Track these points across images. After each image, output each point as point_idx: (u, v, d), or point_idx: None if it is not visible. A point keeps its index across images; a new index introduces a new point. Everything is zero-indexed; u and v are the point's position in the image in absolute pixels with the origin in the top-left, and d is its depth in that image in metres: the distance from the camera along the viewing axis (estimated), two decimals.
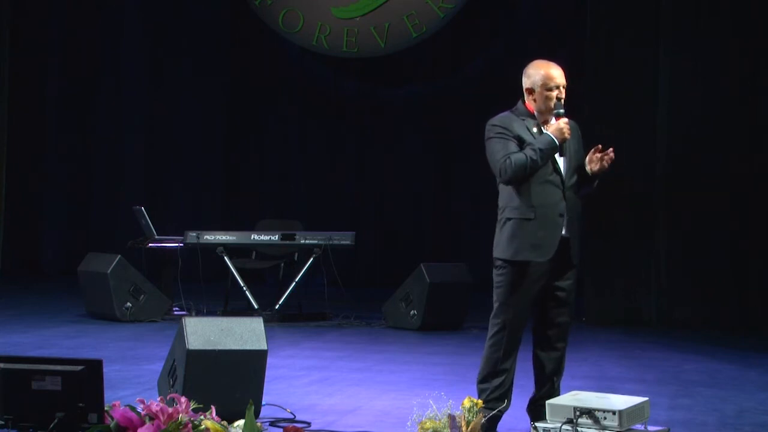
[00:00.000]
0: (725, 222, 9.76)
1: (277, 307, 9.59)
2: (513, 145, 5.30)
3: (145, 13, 13.40)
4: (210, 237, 9.67)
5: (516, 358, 5.51)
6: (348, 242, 9.71)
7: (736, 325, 9.59)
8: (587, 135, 10.94)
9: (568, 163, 5.35)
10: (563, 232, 5.27)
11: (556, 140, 5.27)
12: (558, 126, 5.29)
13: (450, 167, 12.52)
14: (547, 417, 5.07)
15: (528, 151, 5.25)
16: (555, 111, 5.33)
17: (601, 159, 5.28)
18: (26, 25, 13.18)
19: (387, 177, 12.92)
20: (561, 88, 5.38)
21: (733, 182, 9.76)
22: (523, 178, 5.26)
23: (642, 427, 5.02)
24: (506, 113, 5.48)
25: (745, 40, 9.75)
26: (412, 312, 9.28)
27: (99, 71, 13.48)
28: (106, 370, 4.96)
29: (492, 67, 12.27)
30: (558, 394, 5.42)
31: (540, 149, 5.24)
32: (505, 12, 12.60)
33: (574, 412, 4.95)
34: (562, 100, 5.35)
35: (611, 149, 5.29)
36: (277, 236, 9.74)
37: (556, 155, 5.31)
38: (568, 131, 5.29)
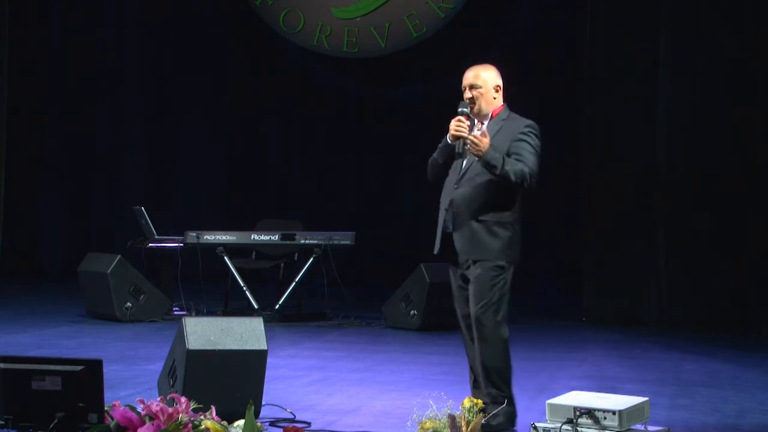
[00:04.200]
0: (725, 222, 9.76)
1: (277, 307, 9.59)
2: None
3: (146, 13, 13.40)
4: (210, 237, 9.67)
5: (468, 346, 5.71)
6: (348, 242, 9.71)
7: (736, 325, 9.59)
8: (589, 135, 11.00)
9: (468, 161, 5.53)
10: (445, 227, 5.56)
11: (447, 139, 5.56)
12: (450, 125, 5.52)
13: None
14: (547, 417, 5.08)
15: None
16: (458, 110, 5.55)
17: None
18: (26, 25, 13.17)
19: (387, 177, 12.91)
20: (467, 88, 5.62)
21: (733, 182, 9.76)
22: (434, 176, 5.70)
23: (642, 427, 5.02)
24: None
25: (745, 39, 9.75)
26: (412, 312, 9.28)
27: (99, 71, 13.47)
28: (106, 370, 4.96)
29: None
30: (482, 390, 5.51)
31: (438, 147, 5.64)
32: (505, 12, 12.60)
33: (574, 412, 4.95)
34: (468, 100, 5.58)
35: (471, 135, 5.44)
36: (277, 236, 9.74)
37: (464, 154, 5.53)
38: (454, 128, 5.48)
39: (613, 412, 4.91)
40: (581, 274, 10.55)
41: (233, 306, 9.75)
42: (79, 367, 4.79)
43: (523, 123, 5.57)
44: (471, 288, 5.54)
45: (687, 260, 9.85)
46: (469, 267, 5.55)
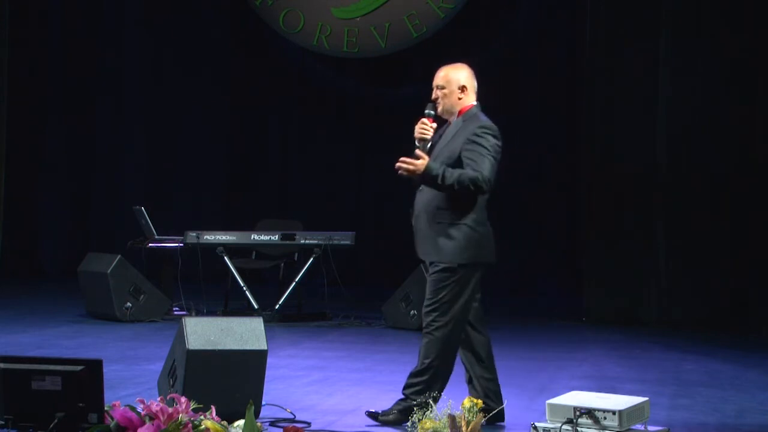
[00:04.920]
0: (725, 221, 9.76)
1: (277, 307, 9.59)
2: None
3: (146, 13, 13.39)
4: (210, 237, 9.67)
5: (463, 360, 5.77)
6: (348, 242, 9.71)
7: (736, 325, 9.59)
8: (589, 135, 10.99)
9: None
10: (414, 225, 5.68)
11: (417, 141, 5.65)
12: None
13: None
14: (547, 417, 5.08)
15: None
16: (425, 111, 5.67)
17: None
18: (26, 25, 13.17)
19: (387, 177, 12.84)
20: (434, 89, 5.73)
21: (733, 182, 9.76)
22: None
23: (642, 427, 5.03)
24: None
25: (745, 39, 9.75)
26: (412, 312, 9.28)
27: (99, 71, 13.47)
28: (106, 370, 4.97)
29: (492, 67, 12.26)
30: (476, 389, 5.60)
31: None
32: (505, 12, 12.60)
33: (574, 412, 4.95)
34: (436, 101, 5.69)
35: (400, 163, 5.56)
36: (277, 236, 9.74)
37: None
38: (418, 130, 5.63)
39: (613, 412, 4.91)
40: (581, 274, 10.55)
41: (233, 306, 9.75)
42: (79, 367, 4.80)
43: (477, 124, 5.56)
44: (427, 287, 5.60)
45: (687, 260, 9.84)
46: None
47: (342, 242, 9.66)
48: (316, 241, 9.64)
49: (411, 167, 5.47)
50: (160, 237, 9.88)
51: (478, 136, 5.50)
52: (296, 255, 9.97)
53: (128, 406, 4.91)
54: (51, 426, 4.70)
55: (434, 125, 5.58)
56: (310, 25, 12.77)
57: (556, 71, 12.12)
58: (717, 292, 9.74)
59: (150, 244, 9.85)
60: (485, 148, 5.47)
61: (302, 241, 9.69)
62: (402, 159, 5.49)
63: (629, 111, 10.04)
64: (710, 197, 9.79)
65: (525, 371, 7.32)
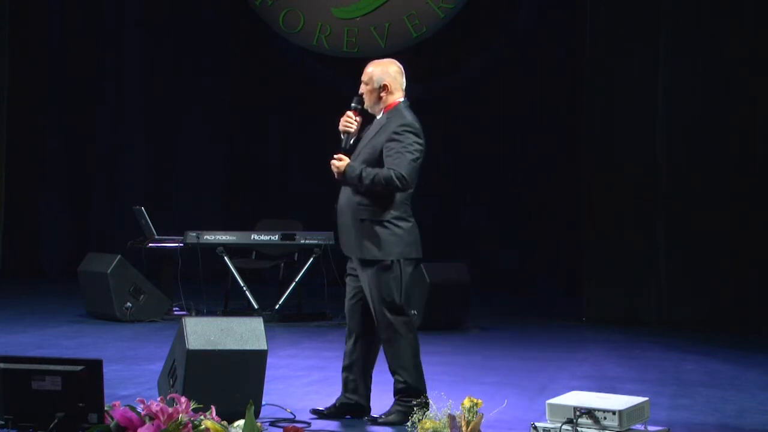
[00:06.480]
0: (725, 222, 9.76)
1: (277, 307, 9.59)
2: None
3: (146, 13, 13.39)
4: (210, 237, 9.67)
5: (351, 349, 5.71)
6: None
7: (736, 325, 9.59)
8: (589, 135, 10.99)
9: (353, 157, 5.67)
10: (338, 221, 5.71)
11: (342, 134, 5.68)
12: None
13: (450, 167, 12.51)
14: (547, 417, 5.08)
15: None
16: (351, 104, 5.73)
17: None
18: (26, 25, 13.17)
19: None
20: (362, 83, 5.71)
21: (732, 182, 9.76)
22: None
23: (642, 427, 5.03)
24: None
25: (745, 39, 9.75)
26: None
27: (99, 71, 13.46)
28: (106, 370, 4.97)
29: (492, 67, 12.25)
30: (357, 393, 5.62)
31: None
32: (505, 12, 12.59)
33: (574, 412, 4.95)
34: (362, 96, 5.73)
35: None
36: (277, 236, 9.74)
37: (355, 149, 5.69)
38: (342, 123, 5.70)
39: (613, 412, 4.91)
40: (581, 274, 10.55)
41: (233, 306, 9.75)
42: (79, 367, 4.80)
43: (399, 122, 5.57)
44: (368, 293, 5.60)
45: (687, 260, 9.84)
46: (358, 267, 5.64)
47: None
48: (316, 241, 9.63)
49: (333, 168, 5.49)
50: (160, 237, 9.88)
51: (398, 134, 5.53)
52: (296, 255, 9.97)
53: (128, 406, 4.91)
54: (51, 426, 4.71)
55: (359, 119, 5.60)
56: (310, 25, 12.77)
57: (556, 71, 12.11)
58: (717, 292, 9.74)
59: (150, 244, 9.85)
60: (404, 145, 5.50)
61: (302, 241, 9.69)
62: (333, 159, 5.48)
63: (629, 111, 10.04)
64: (710, 197, 9.79)
65: (525, 371, 7.32)
